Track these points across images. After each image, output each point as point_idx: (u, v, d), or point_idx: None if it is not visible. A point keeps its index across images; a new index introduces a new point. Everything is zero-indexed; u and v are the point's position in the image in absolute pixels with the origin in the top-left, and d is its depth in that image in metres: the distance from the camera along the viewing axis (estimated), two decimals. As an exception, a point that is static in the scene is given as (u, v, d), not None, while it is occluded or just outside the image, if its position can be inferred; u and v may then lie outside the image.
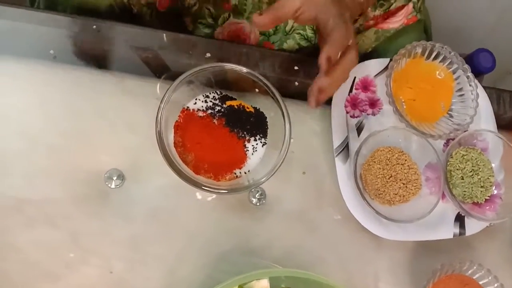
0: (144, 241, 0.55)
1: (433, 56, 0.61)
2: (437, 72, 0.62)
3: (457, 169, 0.59)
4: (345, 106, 0.59)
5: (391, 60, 0.60)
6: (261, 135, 0.54)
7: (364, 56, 0.67)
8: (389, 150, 0.58)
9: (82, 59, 0.56)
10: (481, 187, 0.60)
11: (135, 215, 0.55)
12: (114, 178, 0.55)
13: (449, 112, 0.62)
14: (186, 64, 0.58)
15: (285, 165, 0.51)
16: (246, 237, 0.57)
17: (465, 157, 0.60)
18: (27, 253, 0.51)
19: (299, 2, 0.50)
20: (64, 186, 0.54)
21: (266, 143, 0.53)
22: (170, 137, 0.50)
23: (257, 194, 0.59)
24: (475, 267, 0.55)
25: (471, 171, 0.60)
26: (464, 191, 0.59)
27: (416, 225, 0.55)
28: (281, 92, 0.51)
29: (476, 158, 0.60)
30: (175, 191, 0.56)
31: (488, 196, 0.60)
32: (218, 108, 0.53)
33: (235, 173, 0.52)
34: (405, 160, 0.58)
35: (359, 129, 0.59)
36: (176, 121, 0.52)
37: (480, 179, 0.60)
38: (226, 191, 0.48)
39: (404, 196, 0.57)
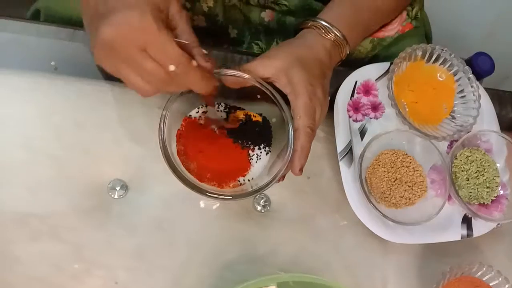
0: (148, 251, 0.54)
1: (433, 58, 0.61)
2: (438, 75, 0.62)
3: (462, 171, 0.59)
4: (348, 111, 0.59)
5: (391, 63, 0.60)
6: (265, 144, 0.54)
7: (364, 63, 0.67)
8: (393, 153, 0.58)
9: (83, 70, 0.56)
10: (487, 187, 0.59)
11: (139, 225, 0.55)
12: (117, 188, 0.55)
13: (452, 113, 0.62)
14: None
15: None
16: (252, 245, 0.57)
17: (469, 158, 0.59)
18: (32, 266, 0.51)
19: (271, 73, 0.50)
20: (67, 197, 0.54)
21: (270, 151, 0.53)
22: (173, 146, 0.49)
23: (262, 201, 0.58)
24: (484, 269, 0.55)
25: (476, 172, 0.59)
26: (470, 192, 0.59)
27: (423, 227, 0.55)
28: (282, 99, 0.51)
29: (480, 159, 0.60)
30: (179, 200, 0.56)
31: (494, 197, 0.60)
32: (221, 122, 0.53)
33: (239, 181, 0.52)
34: (410, 162, 0.58)
35: (362, 133, 0.59)
36: (178, 129, 0.52)
37: (485, 180, 0.59)
38: (230, 197, 0.48)
39: (410, 198, 0.56)
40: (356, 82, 0.60)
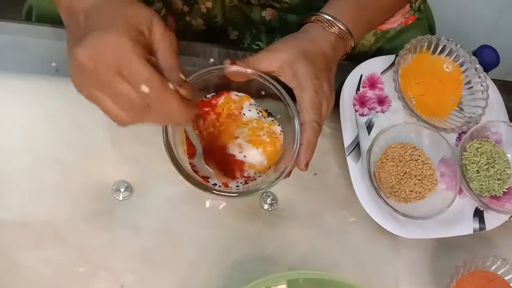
0: (155, 253, 0.53)
1: (439, 50, 0.60)
2: (444, 66, 0.61)
3: (472, 163, 0.58)
4: (354, 105, 0.58)
5: (397, 56, 0.59)
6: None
7: (368, 56, 0.66)
8: (402, 147, 0.57)
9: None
10: (498, 179, 0.58)
11: (145, 227, 0.54)
12: (122, 190, 0.54)
13: (459, 105, 0.61)
14: (190, 71, 0.57)
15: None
16: (259, 244, 0.56)
17: (479, 150, 0.58)
18: (36, 270, 0.50)
19: (276, 65, 0.48)
20: (71, 200, 0.53)
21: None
22: (178, 144, 0.48)
23: (269, 200, 0.57)
24: (498, 263, 0.53)
25: (486, 164, 0.58)
26: (481, 185, 0.58)
27: (434, 222, 0.54)
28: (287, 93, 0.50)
29: (490, 151, 0.58)
30: (184, 200, 0.55)
31: (506, 189, 0.58)
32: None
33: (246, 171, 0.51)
34: (419, 155, 0.56)
35: (369, 127, 0.58)
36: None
37: (496, 171, 0.58)
38: (236, 195, 0.47)
39: (420, 192, 0.55)
40: (361, 75, 0.59)
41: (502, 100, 0.63)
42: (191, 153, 0.49)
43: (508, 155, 0.59)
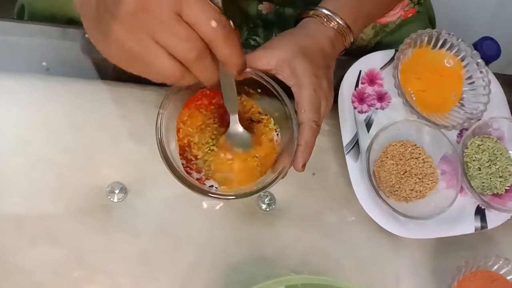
0: (152, 255, 0.52)
1: (439, 44, 0.59)
2: (445, 61, 0.60)
3: (474, 160, 0.57)
4: (352, 102, 0.57)
5: (396, 51, 0.58)
6: None
7: (367, 51, 0.65)
8: (402, 144, 0.55)
9: (76, 70, 0.54)
10: (500, 177, 0.57)
11: (141, 229, 0.53)
12: (116, 191, 0.53)
13: (461, 101, 0.59)
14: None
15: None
16: (258, 246, 0.55)
17: (481, 147, 0.57)
18: (31, 273, 0.49)
19: (274, 63, 0.47)
20: (65, 202, 0.52)
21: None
22: (171, 145, 0.47)
23: (266, 200, 0.56)
24: (501, 262, 0.52)
25: (488, 161, 0.57)
26: (483, 183, 0.57)
27: (435, 221, 0.53)
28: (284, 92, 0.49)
29: (492, 147, 0.57)
30: (181, 202, 0.54)
31: (508, 186, 0.57)
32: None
33: None
34: (419, 153, 0.55)
35: (368, 124, 0.57)
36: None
37: (498, 169, 0.57)
38: (233, 197, 0.46)
39: (420, 191, 0.54)
40: (360, 71, 0.58)
41: (504, 96, 0.61)
42: (224, 122, 0.48)
43: (510, 151, 0.58)
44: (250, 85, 0.50)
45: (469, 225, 0.55)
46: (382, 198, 0.51)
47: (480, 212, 0.56)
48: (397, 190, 0.54)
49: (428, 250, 0.58)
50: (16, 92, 0.53)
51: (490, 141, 0.58)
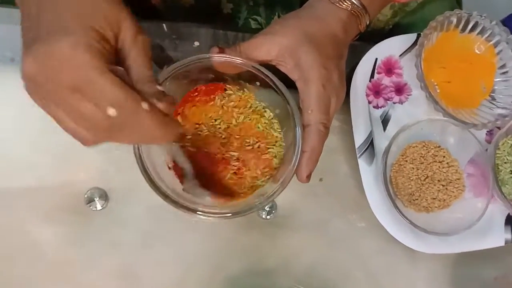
0: (136, 269, 0.47)
1: (469, 27, 0.51)
2: (475, 46, 0.51)
3: (506, 163, 0.49)
4: (367, 95, 0.49)
5: (419, 35, 0.50)
6: None
7: (384, 34, 0.57)
8: (423, 146, 0.48)
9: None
10: (535, 182, 0.50)
11: (123, 241, 0.47)
12: (96, 198, 0.47)
13: (491, 94, 0.51)
14: (173, 56, 0.49)
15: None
16: (258, 258, 0.49)
17: (514, 147, 0.50)
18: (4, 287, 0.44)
19: (274, 53, 0.40)
20: (40, 210, 0.47)
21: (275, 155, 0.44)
22: (152, 152, 0.40)
23: (267, 207, 0.50)
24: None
25: (522, 164, 0.50)
26: (515, 189, 0.49)
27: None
28: (285, 83, 0.41)
29: (527, 148, 0.50)
30: (169, 210, 0.45)
31: (544, 193, 0.50)
32: None
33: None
34: (443, 156, 0.48)
35: (385, 121, 0.50)
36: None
37: (533, 172, 0.50)
38: (229, 214, 0.39)
39: (444, 200, 0.47)
40: (376, 59, 0.50)
41: (542, 87, 0.53)
42: (180, 175, 0.41)
43: (548, 153, 0.51)
44: (246, 79, 0.43)
45: (499, 237, 0.49)
46: (399, 210, 0.44)
47: (511, 222, 0.49)
48: (417, 199, 0.47)
49: (448, 262, 0.52)
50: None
51: (525, 141, 0.50)
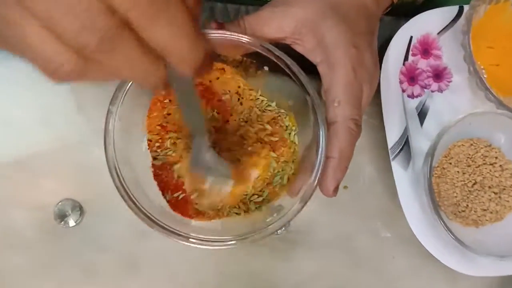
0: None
1: (524, -3, 0.41)
2: (531, 21, 0.42)
3: None
4: (400, 82, 0.40)
5: (461, 7, 0.41)
6: None
7: (417, 6, 0.48)
8: (471, 145, 0.39)
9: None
10: None
11: (101, 264, 0.38)
12: (68, 213, 0.39)
13: (550, 79, 0.42)
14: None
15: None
16: (267, 282, 0.40)
17: None
18: None
19: (290, 29, 0.31)
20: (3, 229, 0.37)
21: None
22: (132, 157, 0.31)
23: (274, 214, 0.40)
24: None
25: None
26: None
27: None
28: (302, 68, 0.32)
29: None
30: (157, 225, 0.38)
31: None
32: None
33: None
34: (496, 157, 0.39)
35: (422, 114, 0.41)
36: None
37: None
38: (233, 242, 0.30)
39: (497, 212, 0.38)
40: (411, 38, 0.41)
41: None
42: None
43: None
44: (252, 62, 0.34)
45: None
46: (445, 225, 0.35)
47: None
48: (464, 210, 0.38)
49: (494, 283, 0.43)
50: None
51: None
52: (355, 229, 0.42)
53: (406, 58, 0.41)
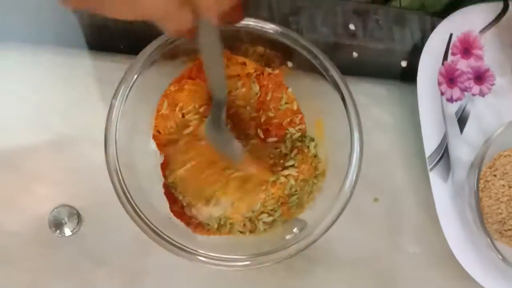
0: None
1: None
2: None
3: None
4: (439, 84, 0.36)
5: (506, 3, 0.37)
6: None
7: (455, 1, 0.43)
8: (519, 155, 0.35)
9: None
10: None
11: (101, 279, 0.34)
12: (65, 221, 0.35)
13: None
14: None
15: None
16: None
17: None
18: None
19: None
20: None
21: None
22: (140, 163, 0.27)
23: (295, 229, 0.36)
24: None
25: None
26: None
27: None
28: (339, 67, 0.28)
29: None
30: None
31: None
32: None
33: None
34: (547, 170, 0.35)
35: (462, 120, 0.36)
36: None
37: None
38: (247, 262, 0.26)
39: (549, 232, 0.34)
40: (451, 35, 0.37)
41: None
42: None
43: None
44: (276, 55, 0.30)
45: None
46: (493, 245, 0.31)
47: None
48: (511, 229, 0.34)
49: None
50: None
51: None
52: (383, 247, 0.37)
53: (445, 58, 0.37)
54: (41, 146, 0.34)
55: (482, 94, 0.38)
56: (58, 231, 0.35)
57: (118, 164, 0.25)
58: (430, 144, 0.34)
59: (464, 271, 0.35)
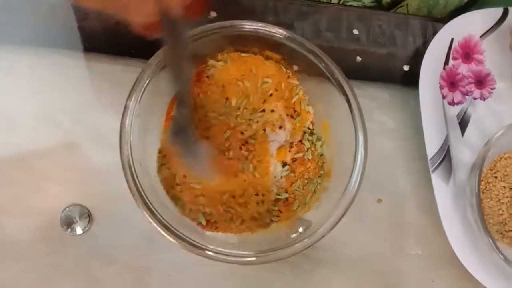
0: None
1: None
2: None
3: None
4: (440, 88, 0.37)
5: (505, 10, 0.38)
6: None
7: (460, 8, 0.44)
8: (519, 157, 0.36)
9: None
10: None
11: (110, 277, 0.35)
12: (76, 219, 0.35)
13: None
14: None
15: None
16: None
17: None
18: None
19: None
20: (3, 237, 0.34)
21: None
22: (150, 161, 0.28)
23: (300, 229, 0.37)
24: None
25: None
26: None
27: None
28: (344, 70, 0.29)
29: None
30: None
31: None
32: None
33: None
34: (547, 172, 0.35)
35: (463, 123, 0.37)
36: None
37: None
38: (253, 258, 0.27)
39: (549, 233, 0.35)
40: (452, 40, 0.37)
41: None
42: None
43: None
44: (283, 58, 0.31)
45: None
46: (496, 246, 0.32)
47: None
48: (511, 230, 0.35)
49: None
50: None
51: None
52: (387, 249, 0.38)
53: (446, 62, 0.38)
54: (53, 146, 0.35)
55: (483, 97, 0.38)
56: (69, 230, 0.35)
57: (133, 163, 0.26)
58: (432, 147, 0.35)
59: (467, 272, 0.35)
